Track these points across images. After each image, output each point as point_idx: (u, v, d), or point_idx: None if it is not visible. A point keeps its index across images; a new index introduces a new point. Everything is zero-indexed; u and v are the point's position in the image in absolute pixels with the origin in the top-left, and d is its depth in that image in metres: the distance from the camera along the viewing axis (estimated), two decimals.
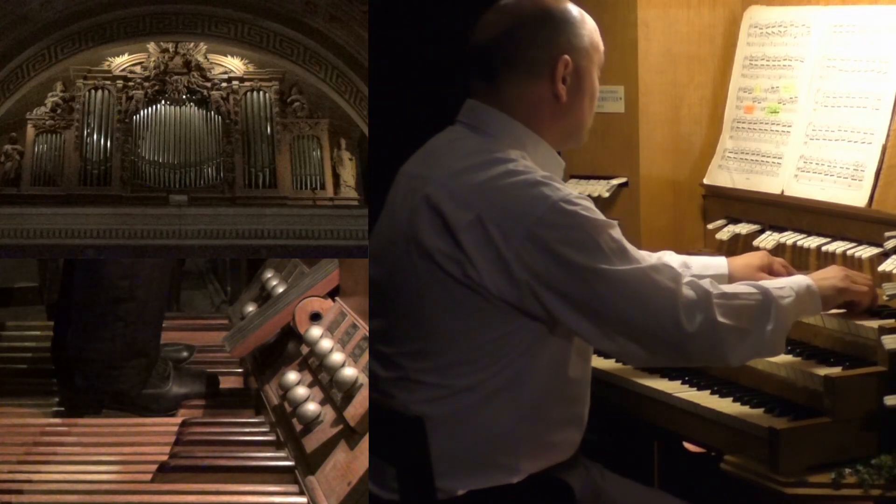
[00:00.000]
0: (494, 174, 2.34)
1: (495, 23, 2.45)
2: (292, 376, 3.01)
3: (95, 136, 8.20)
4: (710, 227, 3.24)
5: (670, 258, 2.86)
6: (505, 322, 2.34)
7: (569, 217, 2.30)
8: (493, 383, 2.36)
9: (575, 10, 2.49)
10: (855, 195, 2.82)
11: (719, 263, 2.86)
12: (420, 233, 2.37)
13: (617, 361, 2.95)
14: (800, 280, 2.56)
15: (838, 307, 2.67)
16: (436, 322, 2.38)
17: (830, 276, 2.64)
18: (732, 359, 2.42)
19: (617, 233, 2.35)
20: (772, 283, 2.51)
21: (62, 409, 3.62)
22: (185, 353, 4.06)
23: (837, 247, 2.86)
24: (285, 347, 3.48)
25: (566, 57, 2.44)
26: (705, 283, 2.38)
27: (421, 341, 2.40)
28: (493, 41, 2.44)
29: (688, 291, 2.34)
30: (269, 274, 4.00)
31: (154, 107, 8.39)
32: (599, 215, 2.34)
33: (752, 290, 2.44)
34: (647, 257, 2.42)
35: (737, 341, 2.38)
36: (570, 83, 2.45)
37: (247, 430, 3.22)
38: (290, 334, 3.46)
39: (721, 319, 2.35)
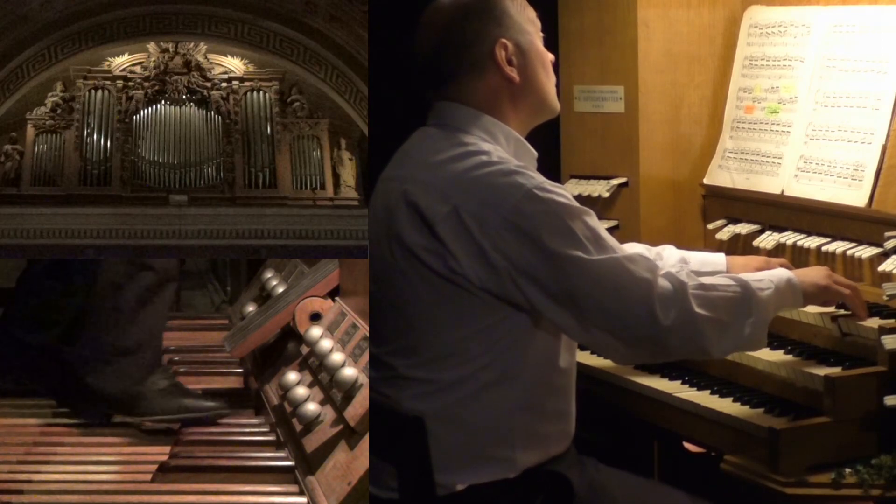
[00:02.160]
0: (469, 165, 2.35)
1: (427, 36, 2.48)
2: (292, 376, 3.01)
3: (95, 136, 8.21)
4: (710, 227, 3.24)
5: (670, 252, 2.86)
6: (490, 313, 2.34)
7: (543, 204, 2.30)
8: (482, 376, 2.36)
9: None
10: (855, 195, 2.82)
11: (718, 260, 2.86)
12: (400, 230, 2.38)
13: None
14: (780, 273, 2.55)
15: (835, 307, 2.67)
16: (422, 317, 2.38)
17: (812, 273, 2.64)
18: (712, 352, 2.41)
19: (593, 220, 2.35)
20: (750, 276, 2.50)
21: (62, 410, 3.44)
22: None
23: (837, 247, 2.86)
24: (285, 347, 3.47)
25: (502, 40, 2.44)
26: (682, 274, 2.38)
27: (408, 337, 2.41)
28: (431, 56, 2.47)
29: (664, 283, 2.33)
30: (269, 274, 4.00)
31: (154, 107, 8.40)
32: (574, 203, 2.35)
33: (731, 282, 2.44)
34: (633, 249, 2.41)
35: (715, 333, 2.37)
36: (518, 62, 2.45)
37: (247, 430, 3.22)
38: (290, 334, 3.46)
39: (698, 310, 2.34)
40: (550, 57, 2.54)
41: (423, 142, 2.49)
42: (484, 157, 2.36)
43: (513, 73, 2.45)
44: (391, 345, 2.45)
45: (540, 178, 2.35)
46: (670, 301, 2.32)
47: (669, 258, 2.84)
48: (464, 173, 2.35)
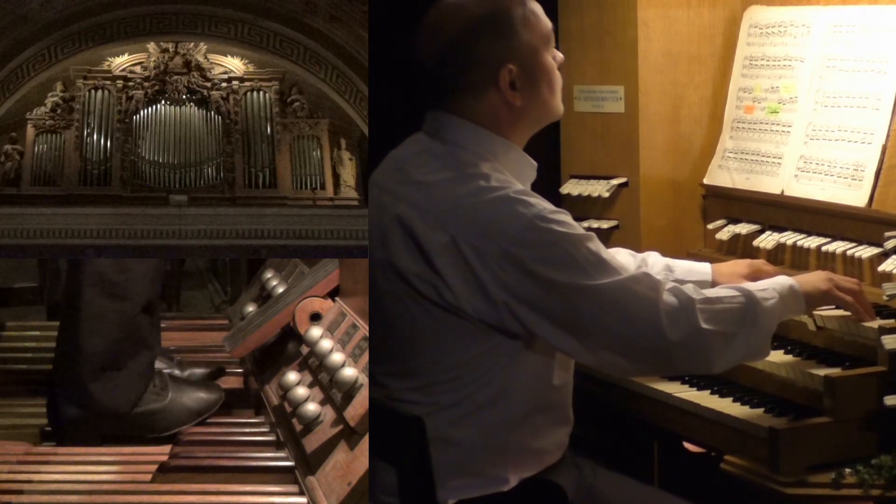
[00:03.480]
0: (467, 191, 2.28)
1: (430, 43, 2.37)
2: (292, 376, 3.01)
3: (95, 136, 8.21)
4: (710, 227, 3.24)
5: (655, 259, 2.84)
6: (484, 340, 2.31)
7: (544, 234, 2.25)
8: (477, 398, 2.33)
9: (505, 7, 2.36)
10: (855, 195, 2.82)
11: (703, 270, 2.83)
12: (394, 255, 2.33)
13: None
14: (782, 281, 2.52)
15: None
16: (415, 341, 2.35)
17: (813, 278, 2.61)
18: (717, 365, 2.38)
19: (595, 245, 2.30)
20: (754, 286, 2.47)
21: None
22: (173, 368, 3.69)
23: (837, 247, 2.86)
24: (285, 347, 3.47)
25: (508, 66, 2.34)
26: (688, 289, 2.34)
27: (401, 361, 2.38)
28: (432, 64, 2.37)
29: (670, 299, 2.30)
30: (269, 274, 4.00)
31: (154, 107, 8.40)
32: (576, 229, 2.30)
33: (735, 293, 2.41)
34: (628, 266, 2.37)
35: (722, 347, 2.35)
36: (521, 84, 2.36)
37: (247, 430, 3.22)
38: (290, 334, 3.46)
39: (705, 326, 2.31)
40: (560, 58, 2.43)
41: (419, 156, 2.41)
42: (482, 182, 2.29)
43: (515, 98, 2.36)
44: (385, 365, 2.43)
45: (540, 206, 2.28)
46: (677, 317, 2.29)
47: (655, 265, 2.82)
48: (462, 199, 2.28)
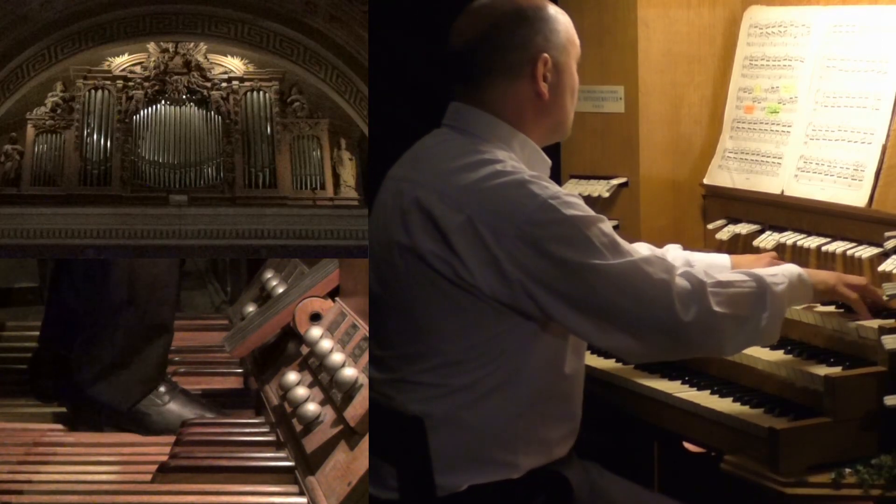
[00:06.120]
0: (483, 175, 2.35)
1: (471, 27, 2.46)
2: (292, 376, 3.01)
3: (95, 136, 8.20)
4: (710, 227, 3.24)
5: (675, 254, 2.86)
6: (499, 321, 2.35)
7: (558, 214, 2.31)
8: (488, 381, 2.37)
9: (549, 7, 2.50)
10: (855, 195, 2.82)
11: (723, 262, 2.88)
12: (411, 236, 2.38)
13: (616, 361, 2.96)
14: (791, 268, 2.58)
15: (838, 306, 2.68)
16: (430, 323, 2.38)
17: (822, 272, 2.68)
18: (728, 348, 2.46)
19: (607, 227, 2.36)
20: (764, 271, 2.53)
21: (62, 412, 3.49)
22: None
23: (837, 247, 2.86)
24: (285, 348, 3.48)
25: (545, 55, 2.45)
26: (700, 273, 2.40)
27: (416, 343, 2.41)
28: (470, 46, 2.45)
29: (682, 282, 2.36)
30: (269, 274, 4.00)
31: (154, 107, 8.39)
32: (589, 211, 2.36)
33: (746, 277, 2.46)
34: (642, 250, 2.42)
35: (733, 330, 2.40)
36: (551, 80, 2.46)
37: (247, 430, 3.22)
38: (290, 334, 3.46)
39: (717, 309, 2.36)
40: (577, 87, 2.54)
41: (438, 146, 2.48)
42: (498, 167, 2.36)
43: (544, 89, 2.45)
44: (398, 349, 2.45)
45: (554, 188, 2.35)
46: (690, 299, 2.34)
47: (675, 260, 2.84)
48: (478, 182, 2.34)
